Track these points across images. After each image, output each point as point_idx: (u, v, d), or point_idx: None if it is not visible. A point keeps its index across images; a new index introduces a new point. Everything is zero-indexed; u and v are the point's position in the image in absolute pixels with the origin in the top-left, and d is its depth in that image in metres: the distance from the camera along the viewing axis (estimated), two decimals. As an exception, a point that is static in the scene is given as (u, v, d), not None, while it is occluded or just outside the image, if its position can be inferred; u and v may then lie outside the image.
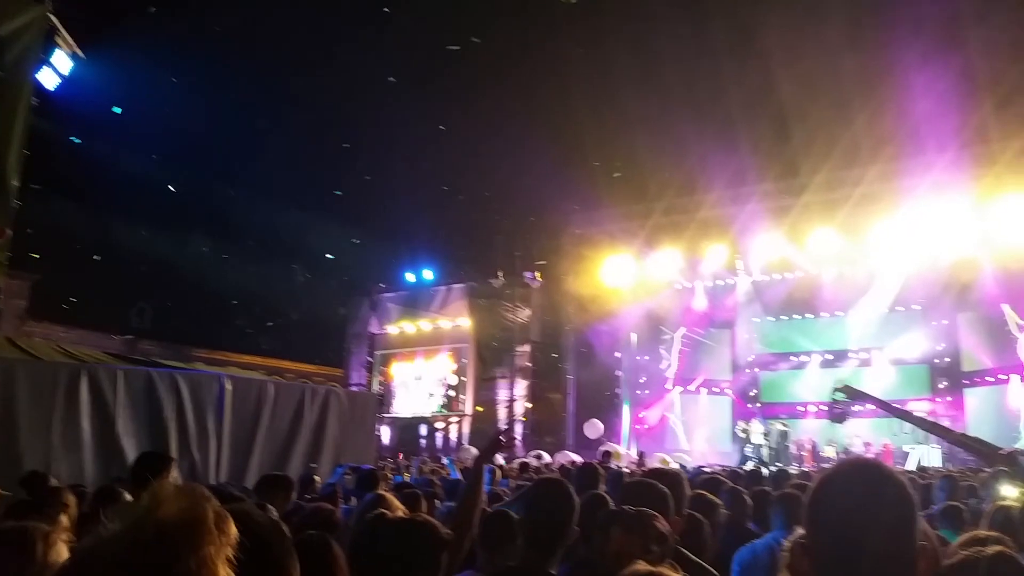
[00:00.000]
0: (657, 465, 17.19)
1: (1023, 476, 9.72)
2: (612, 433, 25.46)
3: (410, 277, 31.34)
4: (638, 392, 27.07)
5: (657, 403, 27.10)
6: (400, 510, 3.61)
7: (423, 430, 29.60)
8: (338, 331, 32.52)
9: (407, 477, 10.68)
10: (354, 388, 29.63)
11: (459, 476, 8.32)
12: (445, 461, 12.65)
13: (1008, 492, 5.73)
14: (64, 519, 3.65)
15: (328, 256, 28.56)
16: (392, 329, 31.70)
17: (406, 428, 29.86)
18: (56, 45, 11.42)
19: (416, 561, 2.43)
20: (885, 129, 19.14)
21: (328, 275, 30.48)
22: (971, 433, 20.74)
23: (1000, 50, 17.35)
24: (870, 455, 21.57)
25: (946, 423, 21.59)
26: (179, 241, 26.02)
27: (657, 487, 3.02)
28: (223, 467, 9.68)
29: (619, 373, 26.62)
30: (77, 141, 18.27)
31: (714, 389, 27.39)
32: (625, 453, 22.19)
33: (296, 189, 27.13)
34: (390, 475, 11.73)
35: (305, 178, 27.56)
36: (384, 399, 27.15)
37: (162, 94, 22.46)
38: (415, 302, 31.22)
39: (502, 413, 27.54)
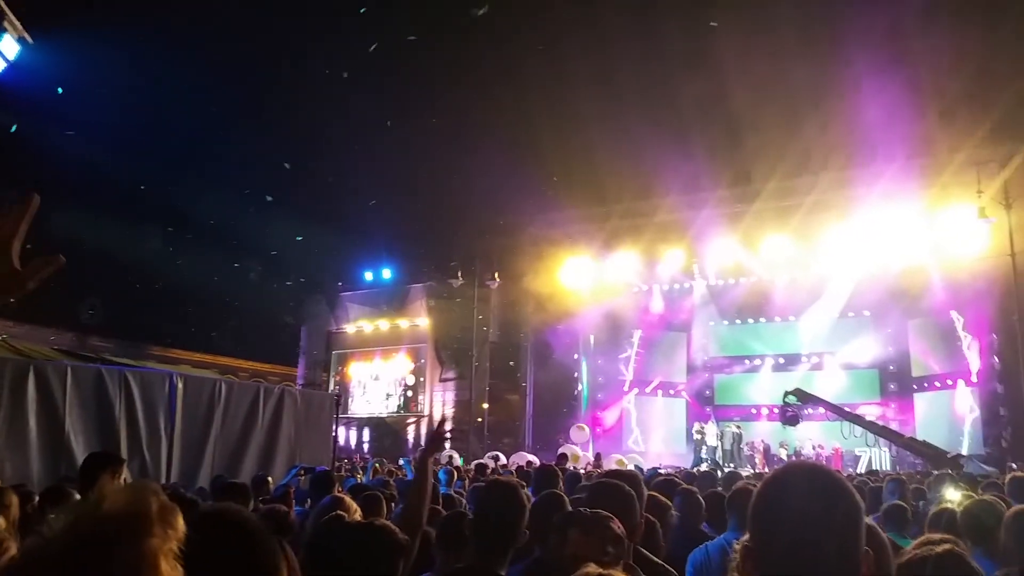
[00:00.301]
0: (614, 467, 17.35)
1: (968, 479, 10.03)
2: (568, 434, 25.57)
3: (369, 276, 31.11)
4: (596, 394, 27.26)
5: (614, 405, 27.31)
6: (356, 513, 3.58)
7: (381, 431, 29.39)
8: (295, 329, 32.12)
9: (360, 478, 10.57)
10: (310, 388, 29.34)
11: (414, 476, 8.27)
12: (402, 462, 12.57)
13: (952, 495, 5.91)
14: (2, 520, 3.54)
15: (286, 253, 28.16)
16: (350, 328, 31.43)
17: (364, 429, 29.63)
18: (3, 30, 11.09)
19: (374, 566, 2.41)
20: (836, 138, 19.59)
21: (286, 272, 30.05)
22: (920, 437, 21.44)
23: (945, 63, 17.86)
24: (821, 458, 22.04)
25: (895, 427, 22.27)
26: (132, 235, 25.40)
27: (624, 488, 3.03)
28: (174, 467, 9.51)
29: (577, 375, 26.77)
30: (13, 130, 17.65)
31: (670, 391, 27.70)
32: (583, 455, 22.33)
33: (254, 184, 26.69)
34: (359, 476, 11.64)
35: (264, 173, 27.12)
36: (341, 399, 26.89)
37: (114, 81, 21.91)
38: (373, 301, 30.99)
39: (451, 412, 27.55)
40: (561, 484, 5.15)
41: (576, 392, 26.61)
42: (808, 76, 18.81)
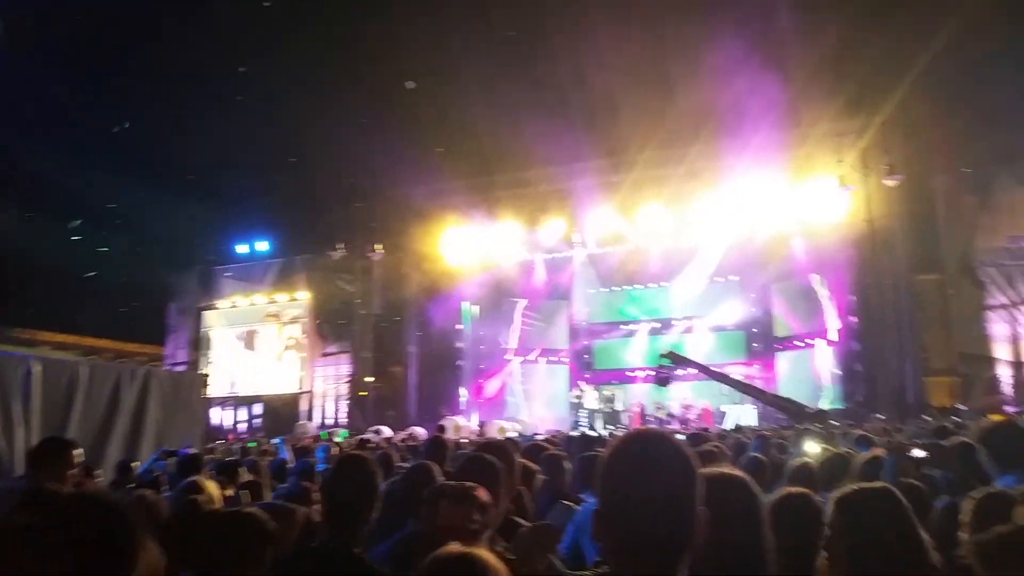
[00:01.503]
0: (495, 435, 17.62)
1: (826, 432, 10.75)
2: (454, 404, 25.74)
3: (243, 249, 29.99)
4: (479, 363, 27.50)
5: (498, 373, 27.66)
6: (215, 497, 3.47)
7: (259, 409, 28.60)
8: (163, 306, 30.60)
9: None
10: (179, 367, 28.16)
11: (287, 455, 8.11)
12: (275, 441, 12.28)
13: (811, 448, 6.33)
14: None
15: (153, 226, 26.68)
16: (224, 304, 30.26)
17: (241, 408, 28.74)
18: None
19: (236, 556, 2.37)
20: (705, 110, 20.28)
21: (153, 247, 28.45)
22: (783, 393, 22.79)
23: (804, 38, 18.80)
24: (691, 415, 23.18)
25: (760, 384, 23.65)
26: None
27: (489, 459, 3.08)
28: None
29: (460, 345, 26.90)
30: None
31: (552, 358, 28.30)
32: (466, 424, 22.54)
33: (117, 152, 24.99)
34: (238, 458, 11.27)
35: (127, 140, 25.42)
36: (209, 378, 25.94)
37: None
38: (248, 275, 29.93)
39: (334, 387, 27.18)
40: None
41: (459, 362, 26.74)
42: (678, 50, 19.37)
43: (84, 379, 9.88)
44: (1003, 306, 20.59)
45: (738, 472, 2.32)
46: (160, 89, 23.81)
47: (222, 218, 28.07)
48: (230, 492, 4.77)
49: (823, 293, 23.68)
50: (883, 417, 17.18)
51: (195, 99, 23.79)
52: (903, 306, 20.58)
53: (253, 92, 23.60)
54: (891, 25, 17.83)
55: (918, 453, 3.28)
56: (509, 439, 9.01)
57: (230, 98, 23.57)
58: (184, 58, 22.20)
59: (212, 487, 3.51)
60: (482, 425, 20.82)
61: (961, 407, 19.71)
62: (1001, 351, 20.45)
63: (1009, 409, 18.68)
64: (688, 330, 26.78)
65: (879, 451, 4.01)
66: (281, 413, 28.03)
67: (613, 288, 27.92)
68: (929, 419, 15.14)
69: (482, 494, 2.49)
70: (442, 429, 12.85)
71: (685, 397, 24.45)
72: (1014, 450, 3.78)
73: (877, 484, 2.27)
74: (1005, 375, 20.35)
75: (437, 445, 5.54)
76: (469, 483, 2.52)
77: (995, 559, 1.64)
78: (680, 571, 1.46)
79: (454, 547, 1.86)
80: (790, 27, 18.32)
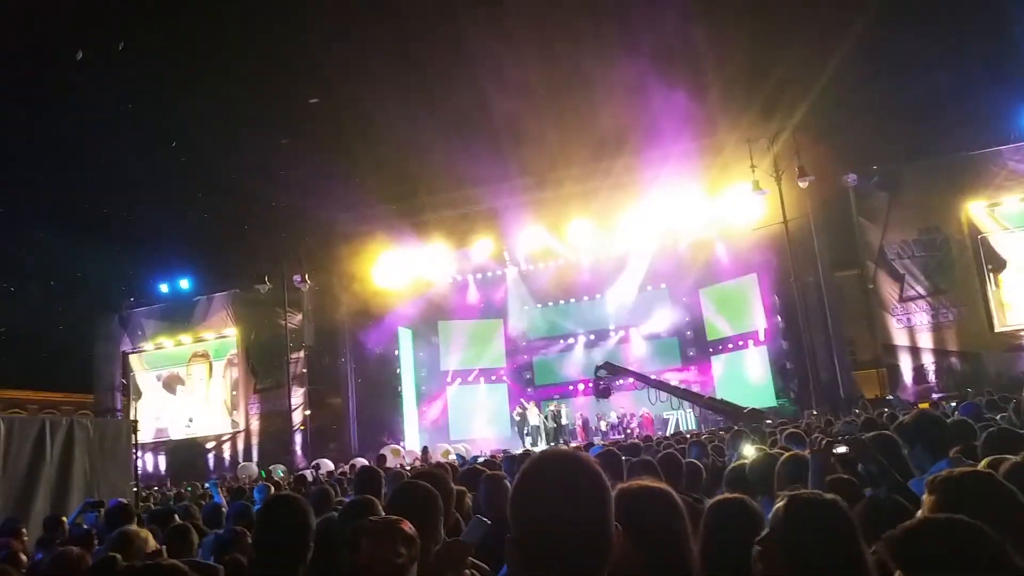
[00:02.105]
0: (439, 459, 17.44)
1: (760, 432, 10.95)
2: (396, 431, 25.40)
3: (164, 288, 29.09)
4: (420, 387, 27.25)
5: (438, 396, 27.45)
6: (151, 545, 3.34)
7: (193, 452, 27.67)
8: (85, 353, 29.44)
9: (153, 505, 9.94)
10: (108, 415, 27.11)
11: (221, 500, 7.84)
12: (207, 485, 11.89)
13: (747, 451, 6.41)
14: None
15: (69, 272, 25.72)
16: (148, 346, 29.26)
17: (176, 451, 27.76)
18: None
19: None
20: (626, 124, 20.71)
21: (70, 291, 27.41)
22: (719, 396, 23.17)
23: (718, 49, 19.43)
24: (634, 424, 23.44)
25: (696, 389, 24.05)
26: None
27: (417, 488, 3.03)
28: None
29: (398, 370, 26.60)
30: None
31: (492, 377, 28.25)
32: (409, 450, 22.27)
33: (22, 195, 24.07)
34: (154, 505, 10.89)
35: (37, 185, 24.50)
36: (138, 424, 25.06)
37: None
38: (172, 315, 29.03)
39: (269, 424, 26.55)
40: (384, 485, 5.08)
41: (398, 388, 26.44)
42: (596, 68, 19.78)
43: (2, 435, 9.41)
44: (920, 296, 21.46)
45: (659, 484, 2.34)
46: (67, 127, 23.06)
47: (140, 258, 27.29)
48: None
49: (749, 295, 24.31)
50: (815, 413, 17.65)
51: (103, 137, 23.13)
52: (826, 302, 21.23)
53: (164, 127, 23.08)
54: (797, 34, 18.58)
55: (840, 449, 3.35)
56: (442, 465, 8.94)
57: (140, 134, 22.99)
58: (93, 95, 21.59)
59: (145, 536, 3.37)
60: (425, 450, 20.55)
61: (890, 397, 20.44)
62: (923, 340, 21.29)
63: (934, 396, 19.44)
64: (624, 339, 27.09)
65: (802, 452, 4.11)
66: (214, 455, 27.22)
67: (548, 303, 28.08)
68: (859, 412, 15.64)
69: (407, 527, 2.43)
70: (383, 459, 12.65)
71: (624, 406, 24.69)
72: (941, 438, 3.92)
73: (827, 496, 2.28)
74: (927, 363, 21.19)
75: (368, 477, 5.40)
76: (394, 517, 2.48)
77: (903, 552, 1.68)
78: None
79: None
80: (702, 42, 18.91)
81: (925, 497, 2.41)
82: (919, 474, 3.56)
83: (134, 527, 3.81)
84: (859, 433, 5.37)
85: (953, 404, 12.68)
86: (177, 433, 28.15)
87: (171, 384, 28.74)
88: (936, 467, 3.48)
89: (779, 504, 2.22)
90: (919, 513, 2.30)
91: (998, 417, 7.06)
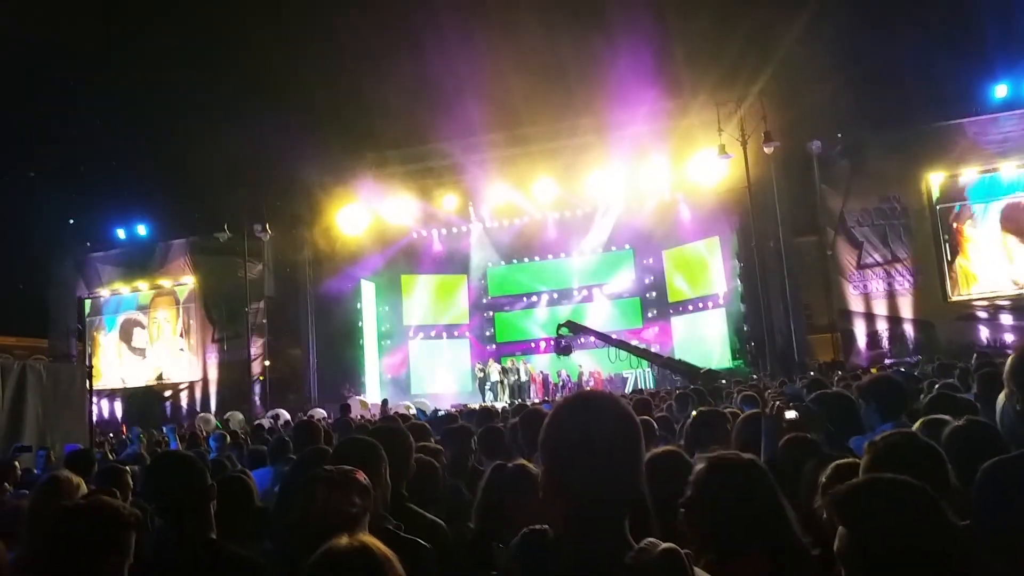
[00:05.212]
0: (401, 412, 17.50)
1: (714, 391, 11.14)
2: (357, 384, 25.41)
3: (122, 234, 28.47)
4: (382, 341, 27.23)
5: (400, 350, 27.47)
6: (80, 489, 3.32)
7: (149, 400, 27.42)
8: (39, 297, 28.81)
9: (110, 452, 9.88)
10: (64, 360, 26.67)
11: (178, 445, 7.81)
12: (165, 430, 11.83)
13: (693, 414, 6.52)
14: None
15: (23, 214, 24.99)
16: (104, 292, 28.75)
17: (131, 399, 27.49)
18: None
19: (95, 546, 2.37)
20: (594, 84, 20.55)
21: (25, 235, 26.68)
22: (678, 356, 23.54)
23: (684, 7, 19.35)
24: (590, 383, 23.76)
25: (656, 349, 24.41)
26: None
27: (365, 441, 3.05)
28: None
29: (360, 324, 26.51)
30: None
31: (454, 333, 28.33)
32: (372, 403, 22.30)
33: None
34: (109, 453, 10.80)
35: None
36: (93, 370, 24.71)
37: None
38: (129, 261, 28.49)
39: (228, 374, 26.37)
40: (321, 439, 5.07)
41: (360, 342, 26.38)
42: (564, 24, 19.58)
43: (-50, 378, 9.25)
44: (877, 263, 21.89)
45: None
46: (23, 67, 22.21)
47: (97, 202, 26.55)
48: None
49: (711, 258, 24.59)
50: (767, 374, 18.04)
51: (61, 79, 22.36)
52: (785, 267, 21.55)
53: (126, 69, 22.35)
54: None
55: (790, 415, 3.43)
56: (400, 417, 8.98)
57: (101, 78, 22.24)
58: (55, 34, 20.81)
59: (77, 483, 3.34)
60: (384, 403, 20.60)
61: (842, 361, 20.96)
62: (878, 307, 21.78)
63: (887, 362, 19.95)
64: (587, 299, 27.32)
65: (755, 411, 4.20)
66: (171, 403, 27.03)
67: (512, 261, 28.11)
68: (812, 374, 16.00)
69: (361, 476, 2.45)
70: (347, 409, 12.67)
71: (584, 364, 24.99)
72: (892, 401, 4.05)
73: (744, 457, 2.38)
74: (881, 329, 21.71)
75: (307, 431, 5.38)
76: (347, 467, 2.49)
77: (849, 509, 1.73)
78: (624, 526, 1.49)
79: (344, 540, 1.83)
80: (669, 1, 18.79)
81: (863, 457, 2.50)
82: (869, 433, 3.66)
83: (65, 472, 3.77)
84: (804, 392, 5.53)
85: (902, 370, 13.05)
86: (132, 380, 27.86)
87: (133, 329, 28.34)
88: (881, 428, 3.58)
89: (699, 467, 2.31)
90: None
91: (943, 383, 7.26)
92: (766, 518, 2.16)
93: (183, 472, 2.85)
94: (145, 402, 27.17)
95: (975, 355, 11.22)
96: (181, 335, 27.78)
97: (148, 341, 28.21)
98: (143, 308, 28.30)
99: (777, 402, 3.54)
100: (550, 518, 1.52)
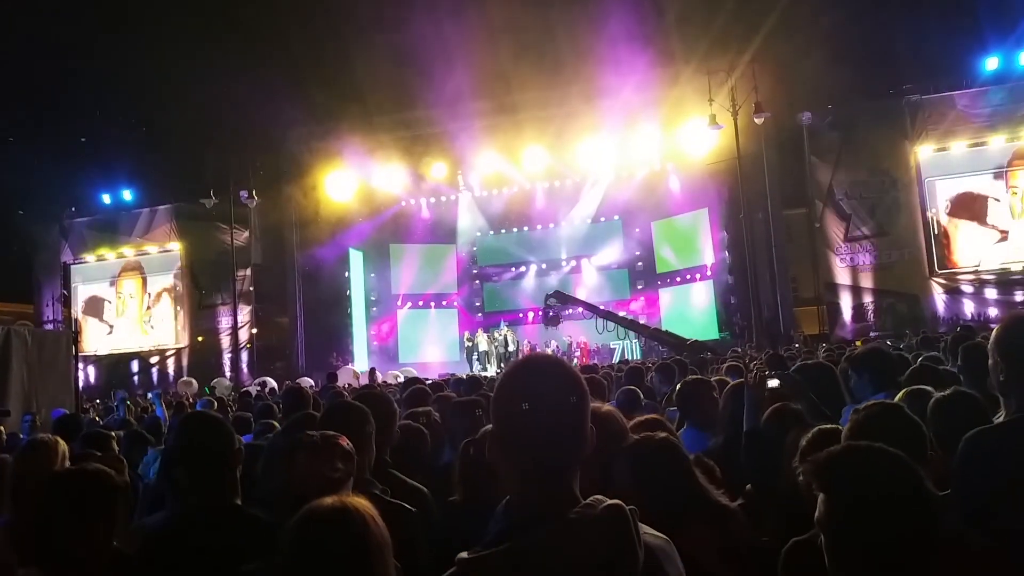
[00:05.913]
0: (390, 381, 17.56)
1: (699, 362, 11.19)
2: (346, 353, 25.40)
3: (107, 199, 28.17)
4: (370, 309, 27.20)
5: (388, 319, 27.46)
6: (63, 455, 3.31)
7: (135, 366, 27.37)
8: (24, 262, 28.55)
9: (96, 418, 9.89)
10: (49, 326, 26.55)
11: (163, 414, 7.79)
12: (150, 396, 11.82)
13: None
14: None
15: (6, 178, 24.62)
16: (89, 257, 28.52)
17: (115, 366, 27.41)
18: None
19: (84, 512, 2.37)
20: (583, 51, 20.32)
21: (9, 200, 26.32)
22: (665, 328, 23.60)
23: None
24: (577, 352, 23.86)
25: (643, 320, 24.50)
26: None
27: (350, 407, 3.05)
28: None
29: (348, 292, 26.45)
30: None
31: (442, 303, 28.31)
32: (361, 372, 22.32)
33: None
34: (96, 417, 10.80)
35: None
36: (79, 336, 24.62)
37: None
38: (114, 227, 28.23)
39: (214, 341, 26.30)
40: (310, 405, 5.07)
41: (348, 310, 26.34)
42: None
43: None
44: (865, 236, 21.97)
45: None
46: (7, 30, 21.75)
47: (82, 167, 26.17)
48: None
49: (699, 229, 24.59)
50: (753, 346, 18.15)
51: (47, 42, 21.92)
52: (773, 239, 21.59)
53: (111, 32, 21.93)
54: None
55: (773, 383, 3.45)
56: (385, 385, 8.98)
57: (86, 40, 21.82)
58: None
59: (59, 445, 3.32)
60: (372, 372, 20.64)
61: (827, 333, 21.13)
62: (864, 280, 21.89)
63: (872, 334, 20.11)
64: (575, 270, 27.32)
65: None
66: (157, 370, 26.98)
67: (501, 231, 28.03)
68: (797, 346, 16.12)
69: (344, 442, 2.46)
70: (334, 377, 12.69)
71: (572, 334, 25.06)
72: (885, 372, 4.09)
73: (659, 436, 2.56)
74: (867, 302, 21.84)
75: (295, 397, 5.35)
76: (331, 432, 2.49)
77: (827, 476, 1.74)
78: (575, 488, 1.51)
79: (327, 500, 1.84)
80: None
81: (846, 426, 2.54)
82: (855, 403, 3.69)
83: (47, 435, 3.75)
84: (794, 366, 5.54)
85: (888, 343, 13.16)
86: (118, 346, 27.78)
87: (118, 296, 28.20)
88: (874, 398, 3.61)
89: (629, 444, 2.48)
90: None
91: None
92: (680, 495, 2.38)
93: (218, 433, 2.76)
94: (129, 369, 27.13)
95: (958, 327, 11.33)
96: (168, 303, 27.63)
97: (134, 307, 28.05)
98: (128, 274, 28.09)
99: (759, 372, 3.54)
100: (503, 479, 1.54)
